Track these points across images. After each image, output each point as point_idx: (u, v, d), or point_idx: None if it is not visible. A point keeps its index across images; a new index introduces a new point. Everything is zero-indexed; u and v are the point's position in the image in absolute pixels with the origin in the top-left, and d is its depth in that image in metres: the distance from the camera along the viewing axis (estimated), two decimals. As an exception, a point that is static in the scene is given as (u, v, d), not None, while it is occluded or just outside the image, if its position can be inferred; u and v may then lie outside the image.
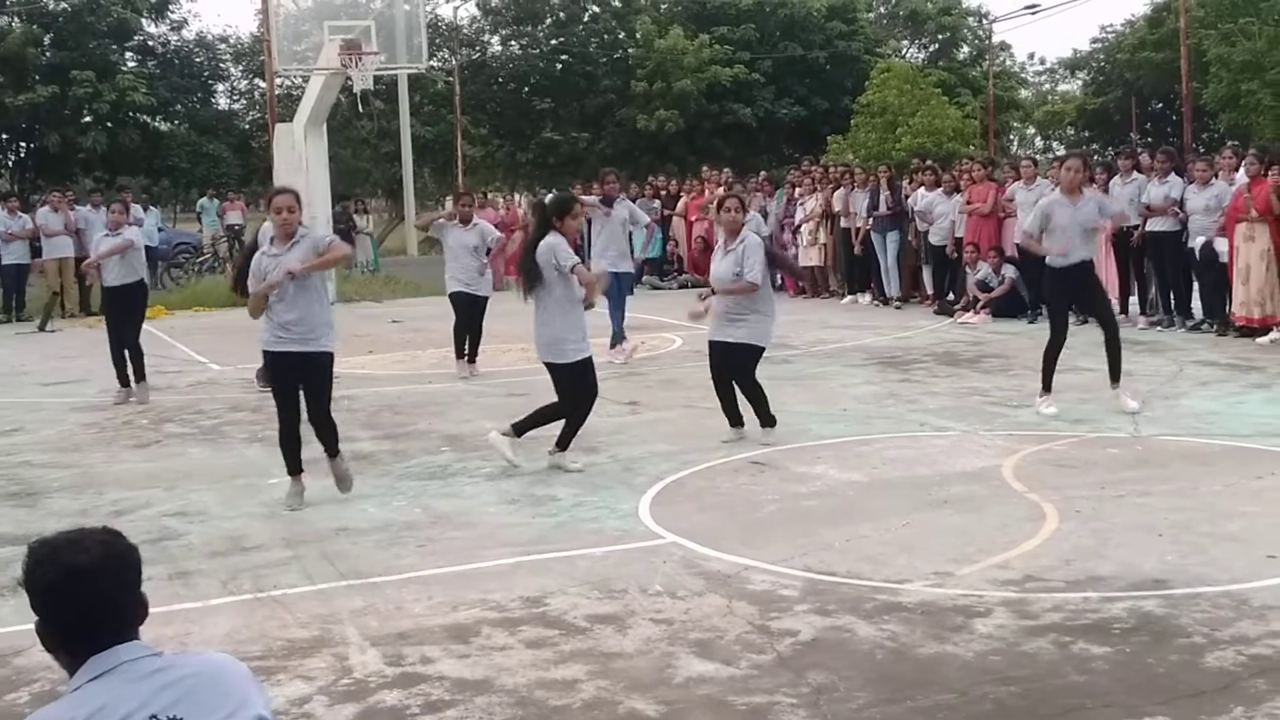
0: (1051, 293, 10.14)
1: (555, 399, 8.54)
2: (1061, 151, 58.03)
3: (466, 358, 12.80)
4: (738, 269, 8.96)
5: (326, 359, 7.77)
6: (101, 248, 11.73)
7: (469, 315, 12.78)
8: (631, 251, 14.53)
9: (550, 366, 8.52)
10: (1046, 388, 9.89)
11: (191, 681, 2.52)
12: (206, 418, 11.00)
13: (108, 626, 2.51)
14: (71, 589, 2.49)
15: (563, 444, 8.48)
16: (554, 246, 8.35)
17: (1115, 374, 9.90)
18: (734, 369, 9.16)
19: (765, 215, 19.45)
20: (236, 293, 8.42)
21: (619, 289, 13.49)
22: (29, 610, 2.55)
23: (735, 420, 9.21)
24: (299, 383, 7.70)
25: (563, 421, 8.50)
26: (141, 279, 11.89)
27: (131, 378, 11.77)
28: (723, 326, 9.16)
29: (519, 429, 8.52)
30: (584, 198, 13.26)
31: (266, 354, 7.80)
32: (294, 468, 7.84)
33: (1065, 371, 10.94)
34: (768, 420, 9.12)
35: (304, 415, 7.80)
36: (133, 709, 2.43)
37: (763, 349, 9.26)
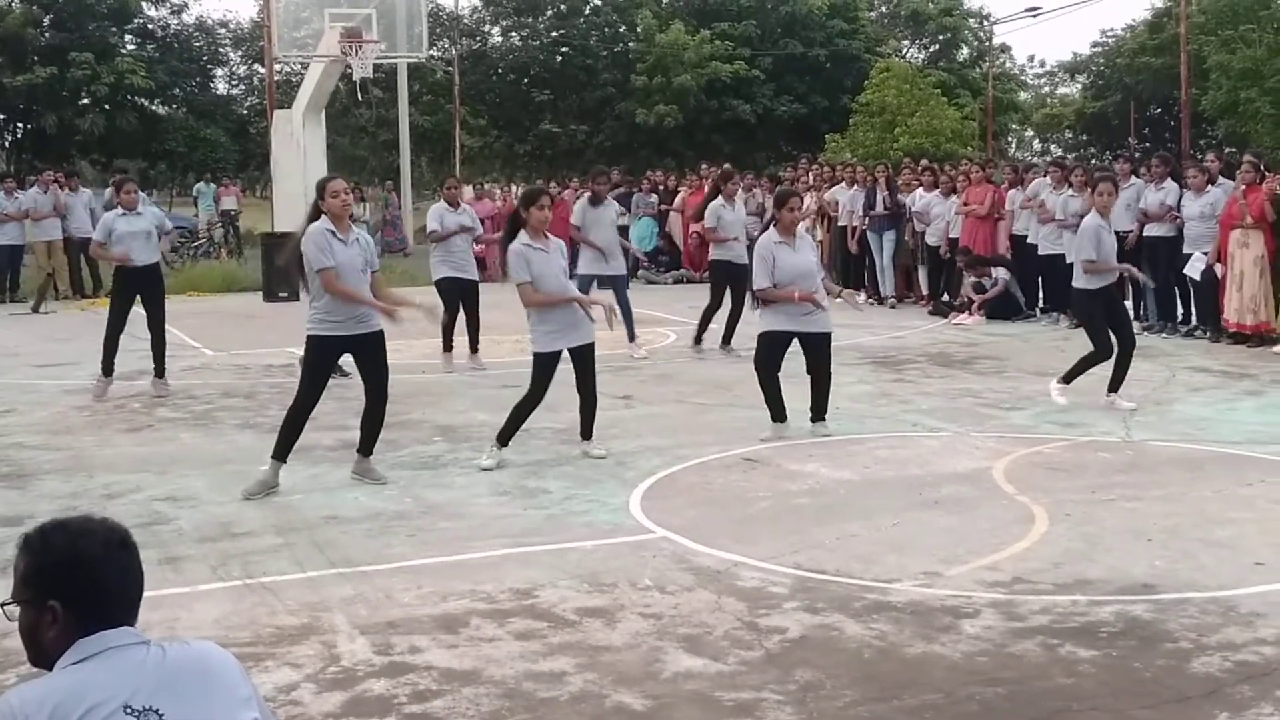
0: (1087, 311, 10.18)
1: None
2: (1058, 153, 58.20)
3: (469, 347, 12.73)
4: (815, 258, 9.23)
5: (381, 335, 7.97)
6: (118, 227, 11.06)
7: (459, 303, 12.70)
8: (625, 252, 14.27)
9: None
10: (1068, 380, 10.07)
11: (175, 673, 2.50)
12: (199, 403, 10.99)
13: (105, 610, 2.52)
14: (99, 564, 2.52)
15: (502, 439, 8.41)
16: (510, 259, 8.27)
17: (1116, 384, 10.06)
18: (824, 358, 9.22)
19: (763, 212, 19.46)
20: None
21: (619, 291, 13.36)
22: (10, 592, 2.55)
23: (784, 413, 9.18)
24: (347, 360, 7.99)
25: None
26: (159, 260, 11.56)
27: (153, 370, 11.43)
28: (815, 317, 9.08)
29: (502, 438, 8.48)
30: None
31: (320, 339, 7.80)
32: (284, 454, 7.83)
33: (1059, 375, 10.98)
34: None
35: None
36: (107, 696, 2.42)
37: None
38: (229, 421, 10.12)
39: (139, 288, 11.32)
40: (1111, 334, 10.02)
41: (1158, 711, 4.47)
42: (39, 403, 11.11)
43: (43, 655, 2.54)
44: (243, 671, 2.64)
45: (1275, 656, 4.93)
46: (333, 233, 7.75)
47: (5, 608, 2.57)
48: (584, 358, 8.50)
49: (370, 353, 7.94)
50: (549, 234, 8.46)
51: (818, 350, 9.19)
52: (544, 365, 8.38)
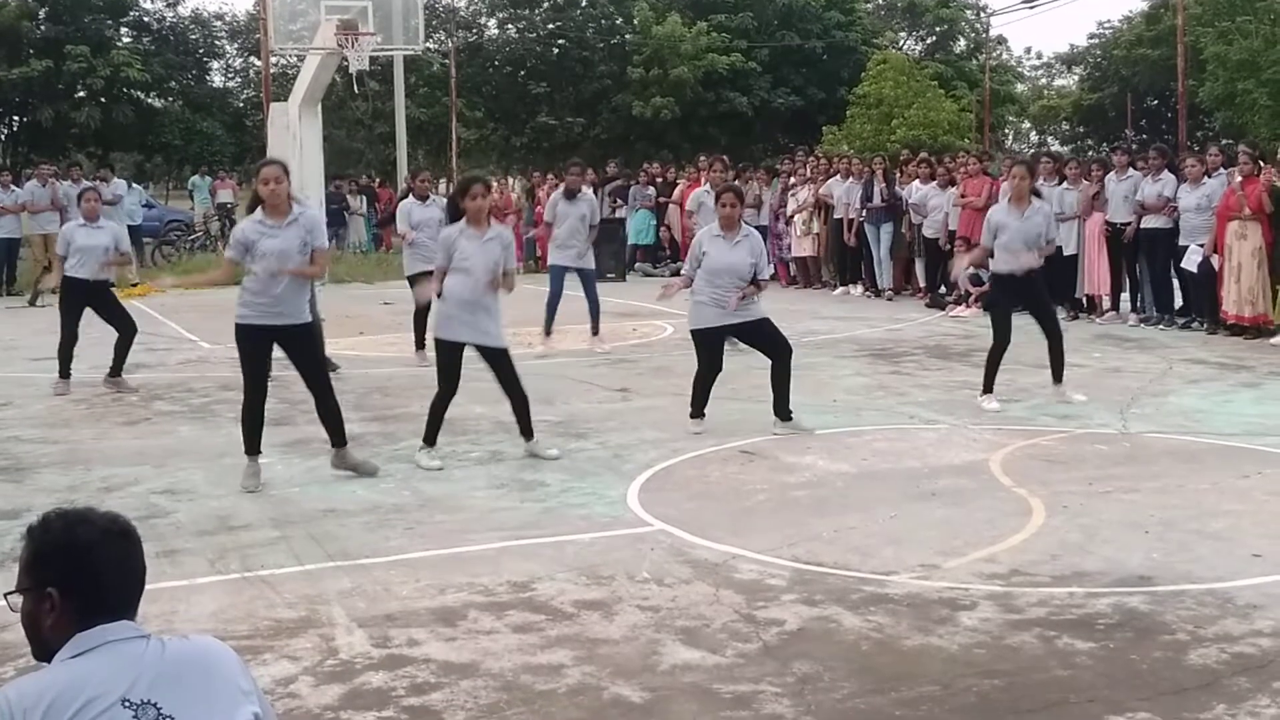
0: (996, 298, 10.39)
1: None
2: (1056, 147, 58.22)
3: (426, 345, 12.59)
4: (754, 261, 9.02)
5: (309, 327, 7.90)
6: (77, 239, 11.08)
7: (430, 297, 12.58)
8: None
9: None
10: (988, 389, 9.98)
11: (174, 667, 2.50)
12: (196, 396, 10.99)
13: (102, 599, 2.52)
14: (95, 548, 2.53)
15: (427, 439, 8.35)
16: (440, 239, 8.46)
17: (1058, 374, 10.15)
18: (772, 343, 9.14)
19: (760, 205, 19.45)
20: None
21: (587, 285, 13.40)
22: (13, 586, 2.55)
23: (702, 411, 9.22)
24: (272, 356, 7.82)
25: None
26: (108, 280, 11.46)
27: (110, 368, 11.32)
28: (746, 307, 9.03)
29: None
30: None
31: (241, 327, 7.75)
32: (254, 448, 7.84)
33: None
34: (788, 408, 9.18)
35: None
36: (105, 690, 2.42)
37: None
38: (226, 415, 10.09)
39: (86, 301, 11.26)
40: (1039, 324, 10.17)
41: (1155, 703, 4.47)
42: (36, 396, 11.10)
43: (43, 648, 2.54)
44: (242, 665, 2.64)
45: (1272, 648, 4.93)
46: (261, 223, 7.68)
47: (9, 597, 2.57)
48: (494, 360, 8.32)
49: (298, 345, 7.85)
50: (493, 221, 8.53)
51: (758, 335, 9.18)
52: (441, 353, 8.31)
